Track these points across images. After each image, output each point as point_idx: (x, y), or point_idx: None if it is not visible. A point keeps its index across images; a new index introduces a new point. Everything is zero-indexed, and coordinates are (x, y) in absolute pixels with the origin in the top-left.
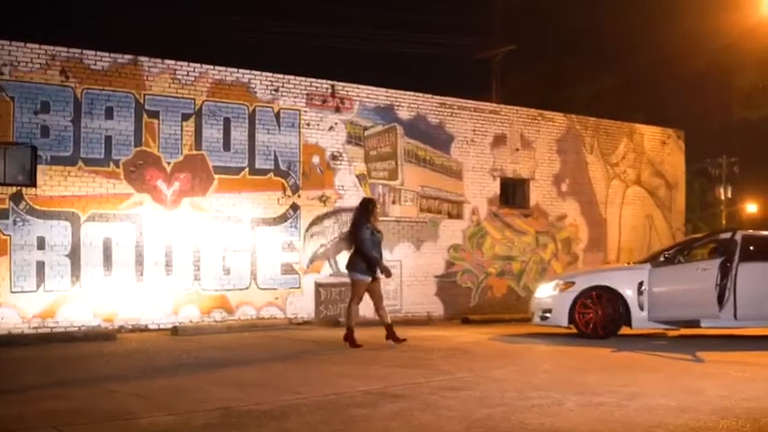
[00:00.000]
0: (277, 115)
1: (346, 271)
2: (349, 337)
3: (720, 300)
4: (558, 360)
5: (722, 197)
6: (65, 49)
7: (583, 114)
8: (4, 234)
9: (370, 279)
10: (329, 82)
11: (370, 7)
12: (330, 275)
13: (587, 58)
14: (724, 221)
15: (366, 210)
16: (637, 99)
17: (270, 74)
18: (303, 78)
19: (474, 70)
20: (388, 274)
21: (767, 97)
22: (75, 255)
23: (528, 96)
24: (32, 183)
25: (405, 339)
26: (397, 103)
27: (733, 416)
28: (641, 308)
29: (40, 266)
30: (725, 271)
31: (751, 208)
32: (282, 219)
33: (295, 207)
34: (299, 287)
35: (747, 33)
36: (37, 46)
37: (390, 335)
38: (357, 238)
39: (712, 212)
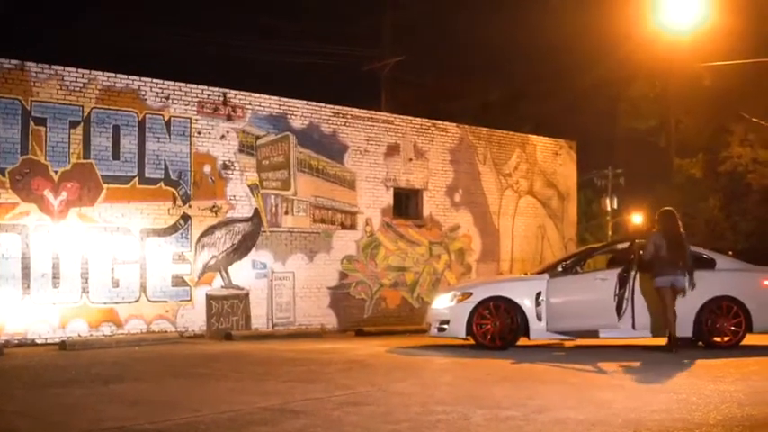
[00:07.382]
0: (167, 123)
1: (656, 281)
2: (673, 343)
3: (619, 310)
4: (458, 372)
5: (608, 208)
6: None
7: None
8: None
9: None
10: (221, 90)
11: (258, 16)
12: (222, 287)
13: (475, 71)
14: (610, 232)
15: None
16: (524, 111)
17: (160, 81)
18: (194, 86)
19: (363, 82)
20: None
21: (655, 108)
22: None
23: (417, 108)
24: None
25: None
26: (290, 112)
27: (645, 429)
28: (539, 318)
29: None
30: (623, 281)
31: (636, 219)
32: (173, 229)
33: (186, 217)
34: (189, 299)
35: (638, 46)
36: None
37: (670, 342)
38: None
39: (597, 223)
